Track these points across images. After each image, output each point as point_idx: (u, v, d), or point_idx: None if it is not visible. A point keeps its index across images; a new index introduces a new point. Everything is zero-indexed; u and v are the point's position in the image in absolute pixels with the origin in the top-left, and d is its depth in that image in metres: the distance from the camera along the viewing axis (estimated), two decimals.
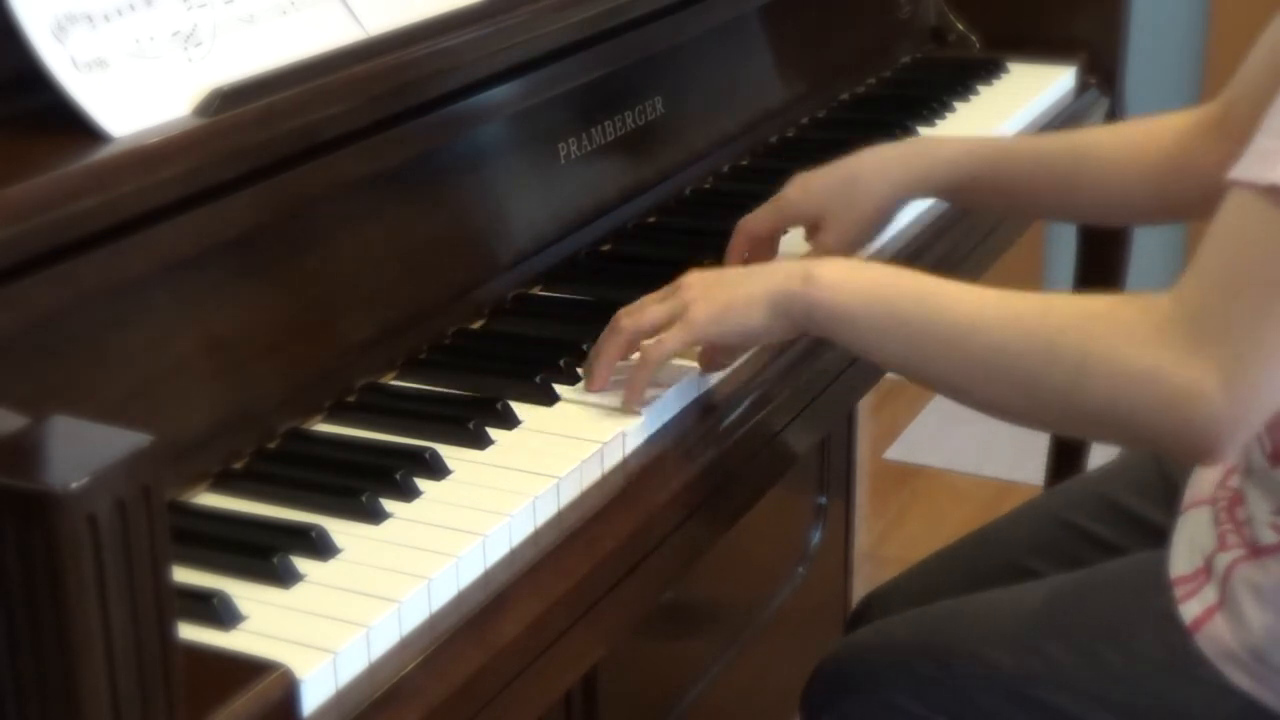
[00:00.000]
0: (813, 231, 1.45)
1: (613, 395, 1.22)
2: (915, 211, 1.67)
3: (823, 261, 1.20)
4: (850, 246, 1.44)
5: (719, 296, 1.19)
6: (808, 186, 1.45)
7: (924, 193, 1.48)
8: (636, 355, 1.21)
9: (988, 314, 1.10)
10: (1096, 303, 1.08)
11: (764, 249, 1.45)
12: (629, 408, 1.19)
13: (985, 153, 1.48)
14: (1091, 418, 1.08)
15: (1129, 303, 1.06)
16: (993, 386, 1.11)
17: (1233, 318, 1.00)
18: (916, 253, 1.59)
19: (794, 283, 1.17)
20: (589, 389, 1.22)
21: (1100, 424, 1.09)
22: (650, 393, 1.20)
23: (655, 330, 1.20)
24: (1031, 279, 3.43)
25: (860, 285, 1.16)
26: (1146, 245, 2.27)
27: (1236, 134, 1.20)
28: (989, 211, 1.61)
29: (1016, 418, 1.15)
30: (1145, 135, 1.44)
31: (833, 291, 1.16)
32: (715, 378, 1.28)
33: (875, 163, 1.46)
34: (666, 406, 1.23)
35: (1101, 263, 2.16)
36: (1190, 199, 1.38)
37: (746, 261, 1.44)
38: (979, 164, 1.46)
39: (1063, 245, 2.70)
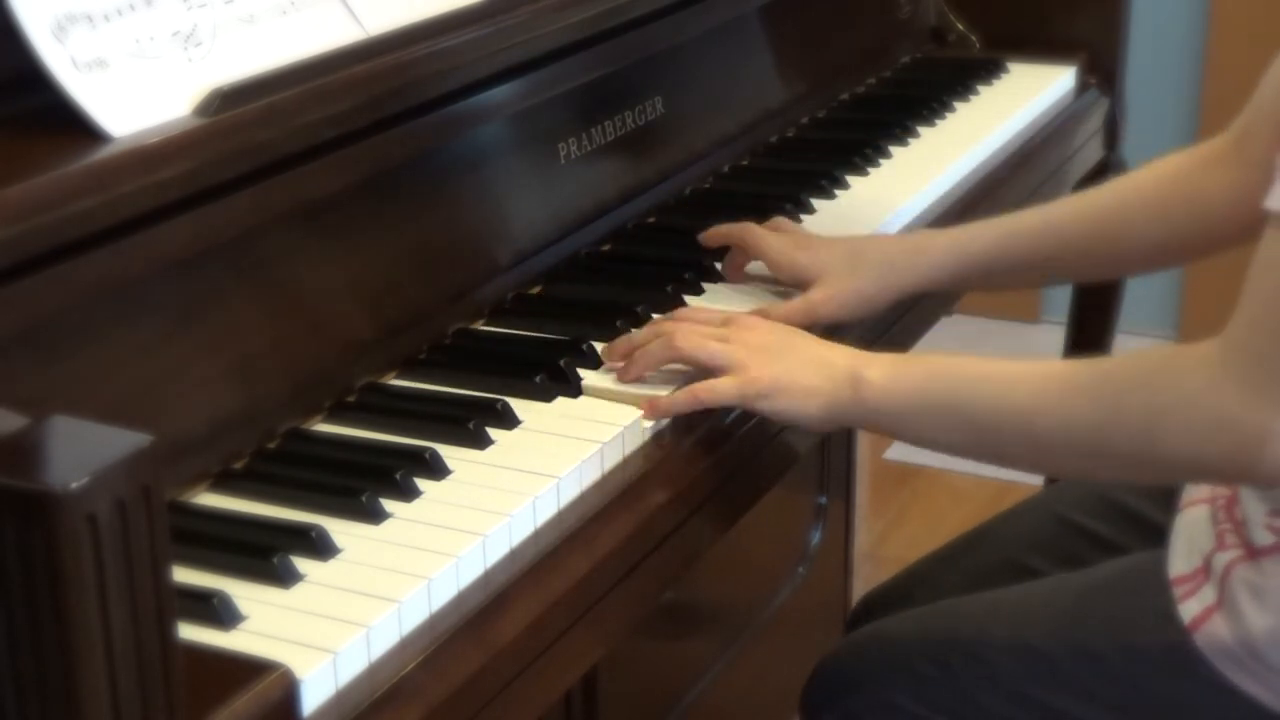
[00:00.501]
0: (803, 287, 1.42)
1: (613, 394, 1.23)
2: (919, 209, 1.67)
3: (873, 362, 1.21)
4: (835, 317, 1.41)
5: (780, 378, 1.21)
6: (812, 247, 1.43)
7: (919, 283, 1.45)
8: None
9: (1049, 391, 1.13)
10: (1151, 359, 1.11)
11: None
12: (648, 418, 1.21)
13: (980, 240, 1.46)
14: (1165, 470, 1.14)
15: (1183, 354, 1.09)
16: (1066, 460, 1.17)
17: None
18: None
19: (847, 389, 1.19)
20: (620, 377, 1.24)
21: (1174, 473, 1.15)
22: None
23: (709, 360, 1.22)
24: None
25: (913, 385, 1.19)
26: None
27: (1254, 163, 1.20)
28: (1004, 289, 1.61)
29: (1100, 479, 1.23)
30: (1141, 185, 1.43)
31: (885, 397, 1.19)
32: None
33: (874, 245, 1.46)
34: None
35: (1097, 288, 2.16)
36: (1201, 236, 1.38)
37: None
38: (974, 253, 1.45)
39: None
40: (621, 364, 1.25)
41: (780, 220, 1.51)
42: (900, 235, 1.51)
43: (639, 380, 1.24)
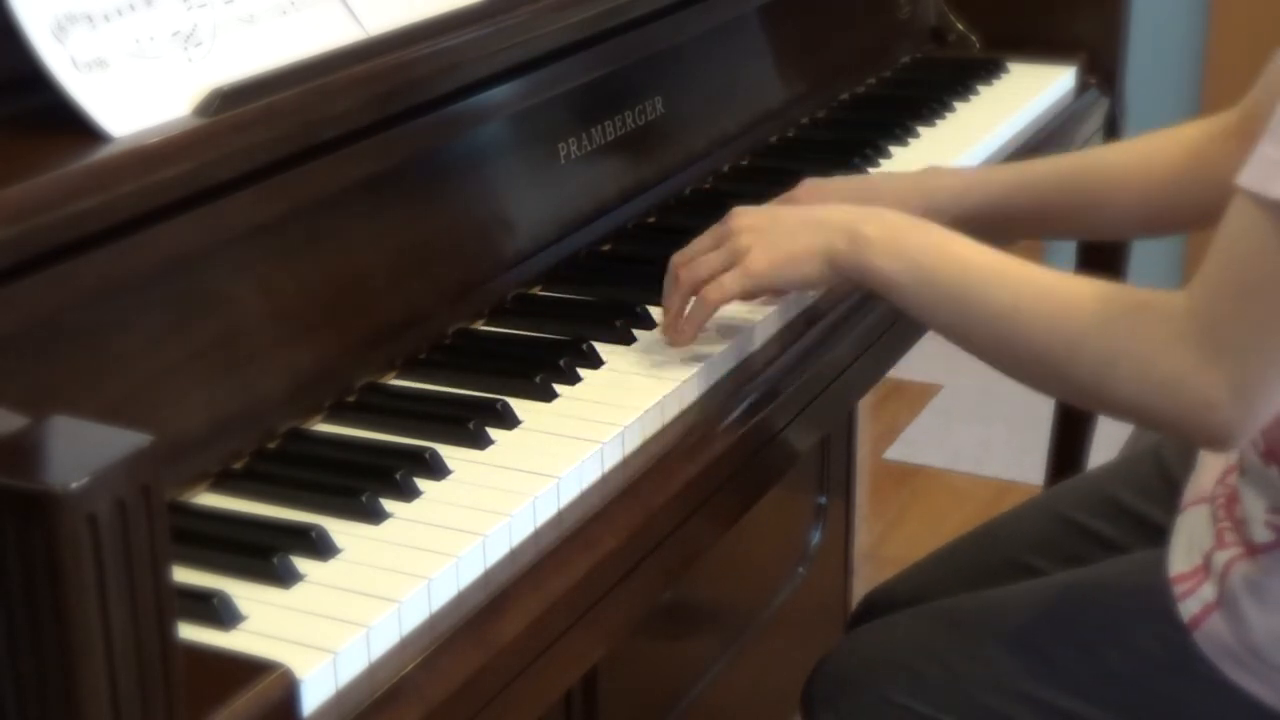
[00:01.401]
0: None
1: (614, 394, 1.23)
2: None
3: (869, 217, 1.24)
4: None
5: (777, 247, 1.24)
6: (822, 189, 1.45)
7: (934, 219, 1.46)
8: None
9: (1023, 302, 1.16)
10: (1117, 304, 1.13)
11: None
12: (676, 345, 1.26)
13: (995, 180, 1.49)
14: (1114, 410, 1.16)
15: (1147, 307, 1.11)
16: (1021, 367, 1.19)
17: (1240, 330, 1.05)
18: None
19: (843, 241, 1.23)
20: (674, 343, 1.28)
21: (1123, 415, 1.16)
22: (702, 348, 1.27)
23: (713, 276, 1.26)
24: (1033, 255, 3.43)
25: (905, 252, 1.21)
26: (1146, 241, 2.27)
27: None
28: (1002, 239, 1.61)
29: (1047, 393, 1.24)
30: (1154, 148, 1.44)
31: (879, 256, 1.22)
32: (717, 375, 1.28)
33: (889, 183, 1.50)
34: (667, 406, 1.23)
35: (1102, 259, 2.16)
36: (1205, 205, 1.38)
37: None
38: (988, 193, 1.47)
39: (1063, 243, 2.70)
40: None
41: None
42: (912, 176, 1.52)
43: (682, 334, 1.27)
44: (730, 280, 1.25)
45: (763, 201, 1.58)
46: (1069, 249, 2.26)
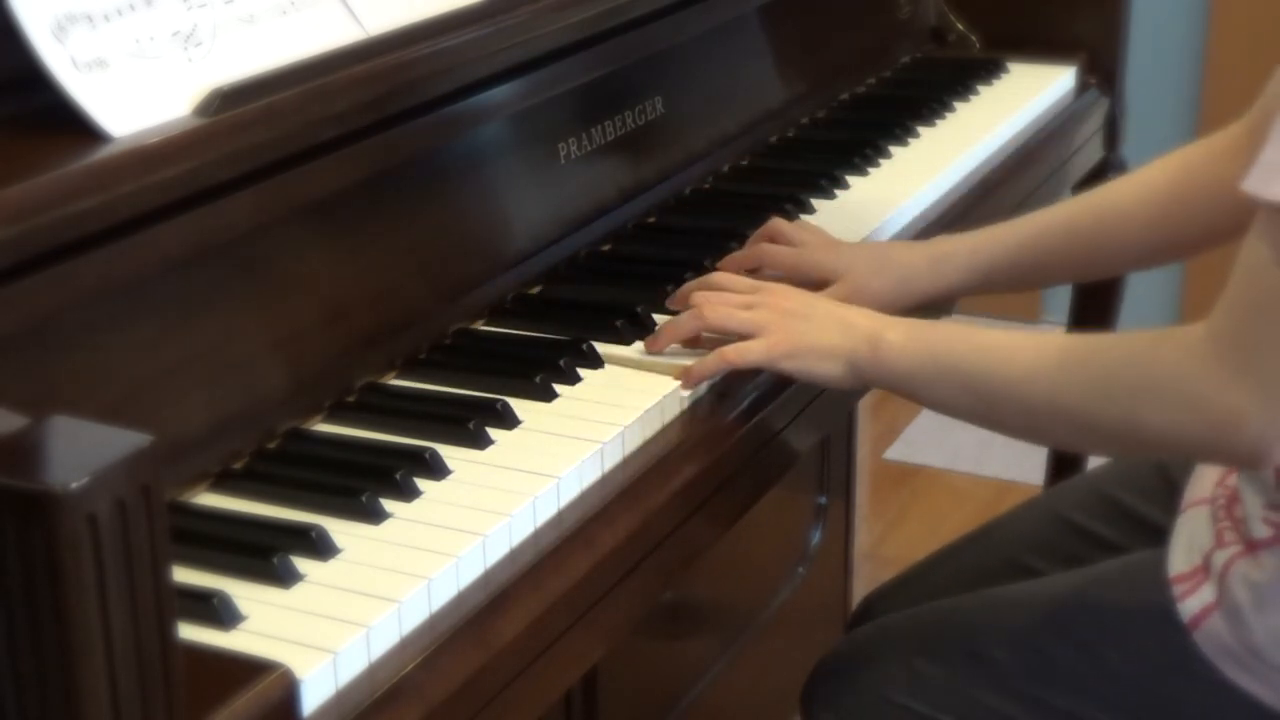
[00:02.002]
0: (823, 285, 1.43)
1: (614, 394, 1.23)
2: (919, 209, 1.67)
3: (893, 325, 1.27)
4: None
5: (801, 336, 1.27)
6: (837, 249, 1.46)
7: (938, 287, 1.47)
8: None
9: (1044, 364, 1.18)
10: (1139, 341, 1.15)
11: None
12: (686, 387, 1.26)
13: (1000, 240, 1.48)
14: (1152, 445, 1.19)
15: (1168, 337, 1.13)
16: (1056, 428, 1.22)
17: (1260, 343, 1.06)
18: None
19: (866, 348, 1.25)
20: (649, 349, 1.30)
21: (1157, 449, 1.20)
22: (702, 342, 1.29)
23: (733, 334, 1.28)
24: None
25: (925, 349, 1.24)
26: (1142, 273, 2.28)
27: None
28: (1012, 291, 1.63)
29: (1085, 449, 1.30)
30: (1153, 176, 1.44)
31: (900, 358, 1.25)
32: (718, 375, 1.28)
33: (899, 248, 1.51)
34: (667, 406, 1.23)
35: (1097, 293, 2.16)
36: (1212, 224, 1.39)
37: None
38: (994, 254, 1.47)
39: None
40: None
41: (804, 222, 1.53)
42: (924, 243, 1.51)
43: (662, 352, 1.29)
44: (754, 350, 1.26)
45: (763, 200, 1.59)
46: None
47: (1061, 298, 2.39)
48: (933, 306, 1.54)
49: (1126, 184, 1.48)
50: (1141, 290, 2.37)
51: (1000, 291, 1.57)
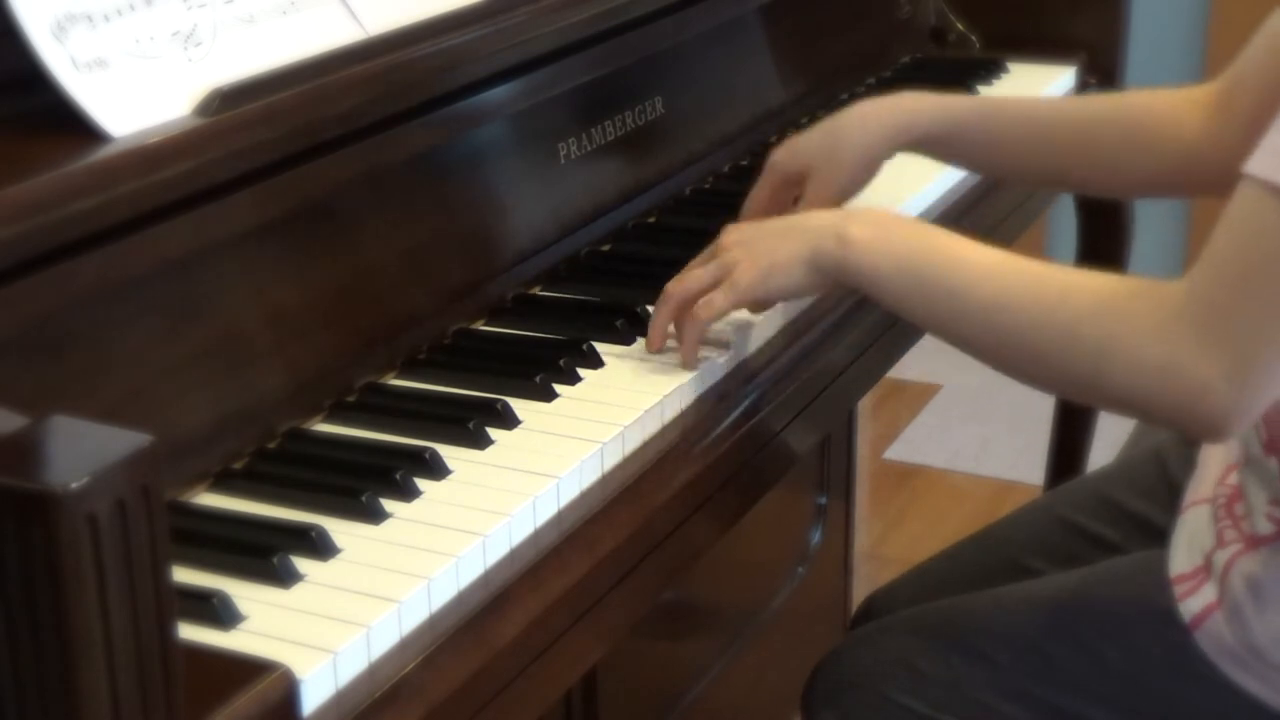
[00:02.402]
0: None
1: (614, 394, 1.23)
2: (918, 209, 1.67)
3: (856, 217, 1.22)
4: (834, 199, 1.44)
5: (761, 258, 1.23)
6: (793, 146, 1.47)
7: (906, 144, 1.47)
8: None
9: (1013, 292, 1.14)
10: (1114, 290, 1.11)
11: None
12: (686, 366, 1.24)
13: (971, 106, 1.51)
14: (1110, 400, 1.14)
15: (1145, 294, 1.09)
16: (1016, 361, 1.17)
17: (1240, 315, 1.04)
18: None
19: (828, 242, 1.21)
20: (649, 349, 1.28)
21: (1119, 406, 1.14)
22: (704, 353, 1.26)
23: (702, 293, 1.24)
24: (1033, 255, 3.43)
25: (891, 248, 1.19)
26: (1148, 223, 2.27)
27: (1239, 120, 1.21)
28: (974, 168, 1.62)
29: (1041, 388, 1.21)
30: (1141, 104, 1.44)
31: (864, 253, 1.19)
32: (717, 375, 1.28)
33: (857, 116, 1.48)
34: (666, 406, 1.23)
35: (1103, 241, 2.16)
36: (1181, 169, 1.39)
37: None
38: (964, 116, 1.48)
39: (1064, 224, 2.70)
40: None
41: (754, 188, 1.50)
42: (881, 98, 1.52)
43: (662, 350, 1.27)
44: (719, 297, 1.23)
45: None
46: (1069, 237, 2.26)
47: (1067, 243, 2.37)
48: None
49: (1102, 102, 1.50)
50: (1148, 236, 2.36)
51: (956, 160, 1.56)
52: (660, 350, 1.28)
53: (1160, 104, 1.43)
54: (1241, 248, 1.04)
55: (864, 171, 1.46)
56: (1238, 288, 1.04)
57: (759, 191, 1.46)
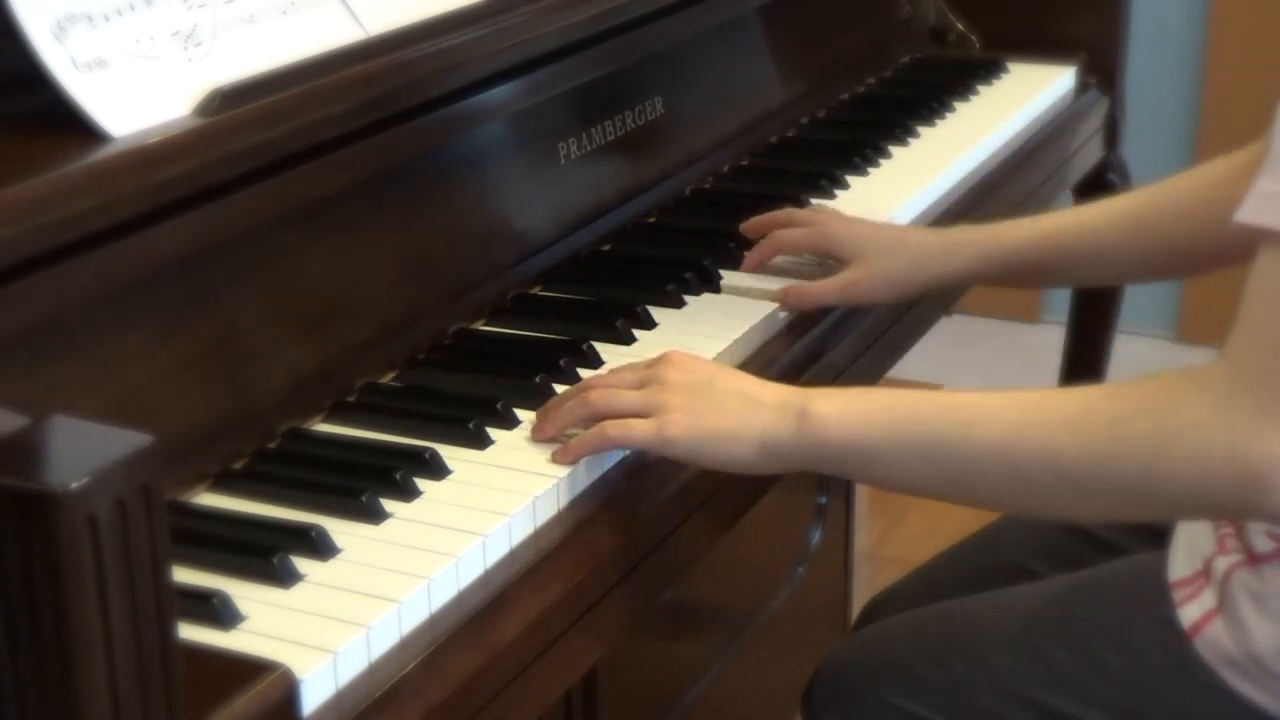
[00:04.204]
0: (836, 266, 1.45)
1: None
2: (919, 209, 1.67)
3: (814, 395, 1.13)
4: (872, 295, 1.44)
5: (702, 420, 1.12)
6: (852, 226, 1.45)
7: (949, 271, 1.46)
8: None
9: (1031, 421, 1.07)
10: (1148, 387, 1.05)
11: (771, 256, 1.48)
12: (557, 461, 1.13)
13: (1022, 235, 1.47)
14: (1169, 501, 1.06)
15: (1184, 382, 1.03)
16: (1051, 496, 1.09)
17: None
18: None
19: (786, 421, 1.11)
20: (535, 437, 1.16)
21: (1172, 507, 1.09)
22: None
23: (627, 414, 1.14)
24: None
25: (871, 416, 1.11)
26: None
27: None
28: (1038, 288, 1.63)
29: (1078, 516, 1.17)
30: (1188, 185, 1.42)
31: (839, 428, 1.10)
32: None
33: (913, 232, 1.49)
34: None
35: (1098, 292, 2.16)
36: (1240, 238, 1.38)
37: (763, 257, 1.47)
38: (1024, 244, 1.46)
39: None
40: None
41: (821, 206, 1.53)
42: (939, 230, 1.52)
43: (553, 440, 1.16)
44: (640, 430, 1.12)
45: (763, 200, 1.59)
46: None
47: (1061, 299, 2.39)
48: (942, 293, 1.55)
49: (1148, 194, 1.45)
50: (1141, 292, 2.37)
51: (1014, 285, 1.56)
52: (548, 440, 1.16)
53: (1213, 177, 1.40)
54: (1272, 310, 1.00)
55: (905, 283, 1.44)
56: (1278, 349, 0.99)
57: (797, 240, 1.46)
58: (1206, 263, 1.43)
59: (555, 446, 1.15)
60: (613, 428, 1.13)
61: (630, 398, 1.14)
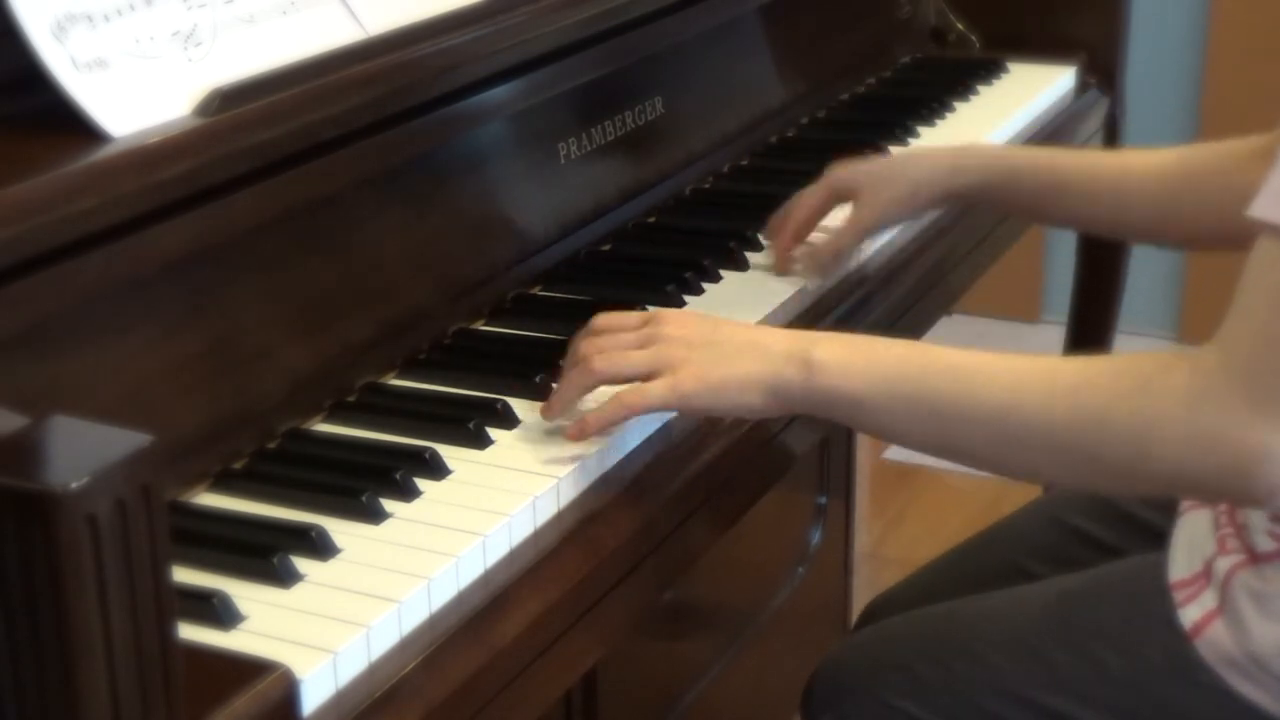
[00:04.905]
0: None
1: (613, 393, 1.22)
2: None
3: (820, 341, 1.14)
4: (874, 222, 1.50)
5: (712, 370, 1.13)
6: (852, 165, 1.52)
7: (959, 188, 1.52)
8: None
9: (1028, 389, 1.08)
10: (1141, 368, 1.06)
11: (806, 230, 1.51)
12: (571, 438, 1.13)
13: (1028, 156, 1.52)
14: (1155, 481, 1.09)
15: (1177, 365, 1.04)
16: (1042, 463, 1.11)
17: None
18: (917, 252, 1.59)
19: (792, 369, 1.12)
20: (545, 415, 1.16)
21: (1165, 485, 1.09)
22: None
23: (633, 379, 1.14)
24: (1031, 274, 3.43)
25: (872, 366, 1.12)
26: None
27: None
28: (1032, 218, 1.65)
29: (1074, 485, 1.19)
30: (1200, 158, 1.43)
31: (841, 378, 1.12)
32: None
33: (916, 152, 1.55)
34: None
35: (1102, 259, 2.17)
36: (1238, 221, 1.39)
37: (787, 241, 1.49)
38: (1020, 164, 1.50)
39: (1063, 241, 2.71)
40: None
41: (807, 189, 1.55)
42: (949, 148, 1.58)
43: (563, 415, 1.15)
44: (656, 392, 1.12)
45: (763, 201, 1.59)
46: (1068, 249, 2.26)
47: (1061, 299, 2.39)
48: (929, 308, 1.57)
49: (1158, 157, 1.48)
50: (1141, 291, 2.38)
51: (1019, 213, 1.58)
52: (581, 429, 1.14)
53: (1224, 155, 1.42)
54: (1269, 300, 1.01)
55: (909, 204, 1.51)
56: (1274, 341, 1.00)
57: (809, 197, 1.50)
58: (1218, 240, 1.43)
59: (557, 449, 1.15)
60: (629, 395, 1.13)
61: (637, 358, 1.14)
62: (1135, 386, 1.05)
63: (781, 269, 1.48)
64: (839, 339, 1.16)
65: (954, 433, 1.11)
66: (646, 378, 1.14)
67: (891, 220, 1.53)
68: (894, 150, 1.81)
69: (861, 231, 1.50)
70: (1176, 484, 1.09)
